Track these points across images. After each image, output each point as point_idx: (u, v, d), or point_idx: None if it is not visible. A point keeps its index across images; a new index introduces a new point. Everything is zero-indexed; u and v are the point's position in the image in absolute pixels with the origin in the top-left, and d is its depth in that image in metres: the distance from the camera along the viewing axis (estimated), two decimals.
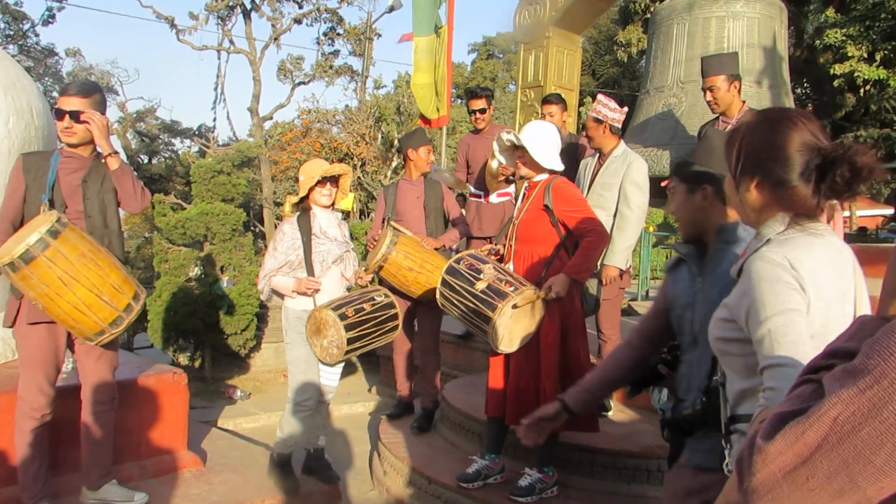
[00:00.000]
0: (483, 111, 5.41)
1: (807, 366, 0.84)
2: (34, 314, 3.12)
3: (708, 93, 4.14)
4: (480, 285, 3.34)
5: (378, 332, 3.72)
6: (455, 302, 3.48)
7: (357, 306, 3.61)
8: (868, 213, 32.34)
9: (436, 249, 4.54)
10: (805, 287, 1.46)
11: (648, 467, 3.76)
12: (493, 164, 5.09)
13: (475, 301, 3.35)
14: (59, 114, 3.14)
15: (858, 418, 0.69)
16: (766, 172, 1.53)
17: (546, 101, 5.06)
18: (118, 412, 3.51)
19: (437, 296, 3.60)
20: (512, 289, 3.30)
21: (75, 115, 3.13)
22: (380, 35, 25.41)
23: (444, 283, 3.54)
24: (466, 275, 3.43)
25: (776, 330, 1.43)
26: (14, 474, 3.28)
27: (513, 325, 3.33)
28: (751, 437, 0.82)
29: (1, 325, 3.44)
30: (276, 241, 3.77)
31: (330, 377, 3.85)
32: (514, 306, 3.26)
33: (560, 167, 3.59)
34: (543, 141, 3.56)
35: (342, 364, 3.87)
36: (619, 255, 4.09)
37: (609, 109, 4.11)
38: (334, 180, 3.85)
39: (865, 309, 1.59)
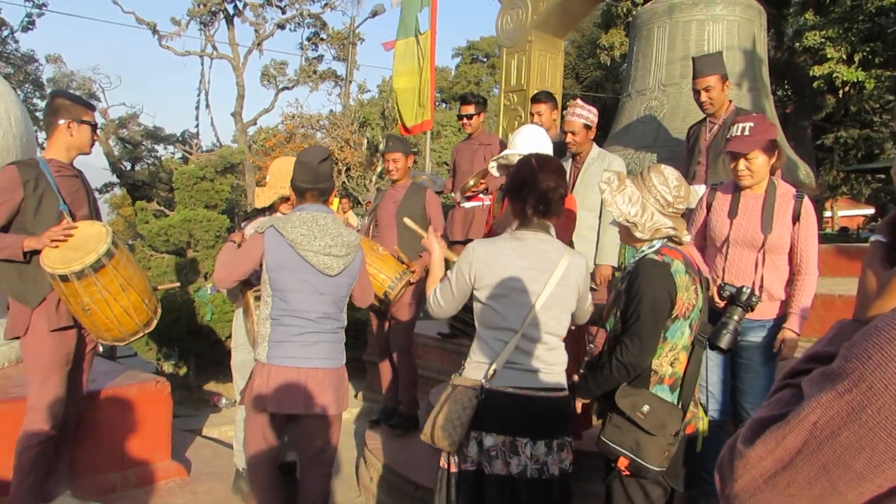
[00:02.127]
0: (471, 117, 5.42)
1: (787, 371, 0.84)
2: (56, 320, 3.14)
3: (703, 93, 4.10)
4: None
5: None
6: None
7: None
8: (849, 213, 32.75)
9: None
10: (472, 263, 2.44)
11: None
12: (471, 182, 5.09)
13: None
14: (94, 127, 3.35)
15: (837, 422, 0.69)
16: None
17: (535, 99, 5.04)
18: (101, 421, 3.49)
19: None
20: None
21: (95, 126, 3.37)
22: (363, 40, 25.52)
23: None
24: None
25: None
26: (9, 488, 3.20)
27: None
28: (731, 442, 0.82)
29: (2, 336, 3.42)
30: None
31: None
32: None
33: None
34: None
35: None
36: (610, 254, 4.08)
37: (593, 114, 4.14)
38: None
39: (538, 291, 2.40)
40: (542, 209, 2.44)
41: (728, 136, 3.13)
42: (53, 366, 3.16)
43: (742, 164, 3.07)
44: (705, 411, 2.68)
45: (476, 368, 2.46)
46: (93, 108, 3.37)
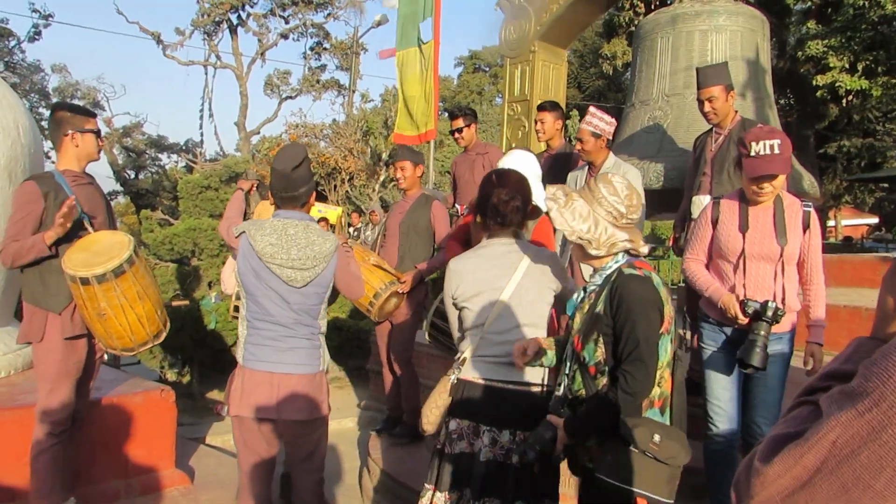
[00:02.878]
0: (461, 130, 5.40)
1: (804, 388, 0.83)
2: (71, 328, 3.20)
3: (706, 104, 4.10)
4: None
5: None
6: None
7: None
8: (853, 222, 32.69)
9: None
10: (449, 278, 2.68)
11: None
12: None
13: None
14: (99, 134, 3.41)
15: (857, 441, 0.68)
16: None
17: (540, 108, 5.02)
18: (106, 429, 3.51)
19: (427, 333, 3.67)
20: None
21: (99, 133, 3.43)
22: (366, 49, 25.63)
23: (433, 325, 3.64)
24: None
25: None
26: (14, 494, 3.24)
27: None
28: (748, 459, 0.81)
29: (14, 342, 3.48)
30: None
31: None
32: None
33: (543, 208, 3.10)
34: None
35: None
36: None
37: (605, 123, 4.11)
38: None
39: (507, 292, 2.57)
40: (499, 220, 2.62)
41: (753, 154, 2.92)
42: (63, 373, 3.22)
43: (769, 185, 2.95)
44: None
45: (456, 361, 2.67)
46: (93, 115, 3.43)
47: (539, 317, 2.63)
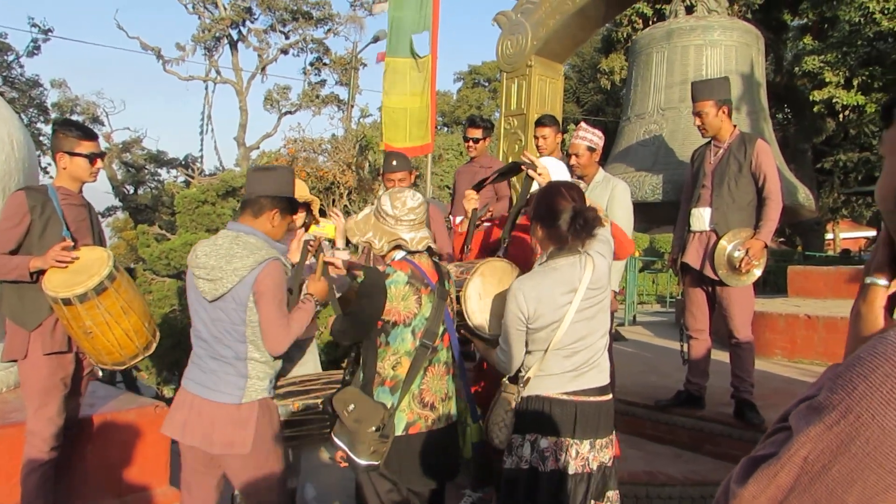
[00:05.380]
0: (477, 141, 5.45)
1: (780, 414, 0.83)
2: (51, 344, 3.17)
3: (696, 118, 4.18)
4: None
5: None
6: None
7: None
8: (851, 235, 32.73)
9: None
10: (524, 303, 2.49)
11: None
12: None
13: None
14: (93, 157, 3.30)
15: (828, 456, 0.68)
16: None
17: (539, 123, 5.03)
18: (99, 446, 3.48)
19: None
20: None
21: (103, 156, 3.39)
22: (365, 65, 25.71)
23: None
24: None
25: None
26: None
27: (487, 300, 2.99)
28: (725, 482, 0.80)
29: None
30: None
31: None
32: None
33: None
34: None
35: None
36: (613, 277, 4.08)
37: (598, 137, 4.15)
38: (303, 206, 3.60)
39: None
40: (585, 231, 2.50)
41: None
42: (50, 390, 3.18)
43: None
44: (476, 418, 2.88)
45: (501, 368, 2.66)
46: (90, 138, 3.31)
47: (601, 323, 2.63)
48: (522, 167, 3.32)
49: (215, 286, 2.57)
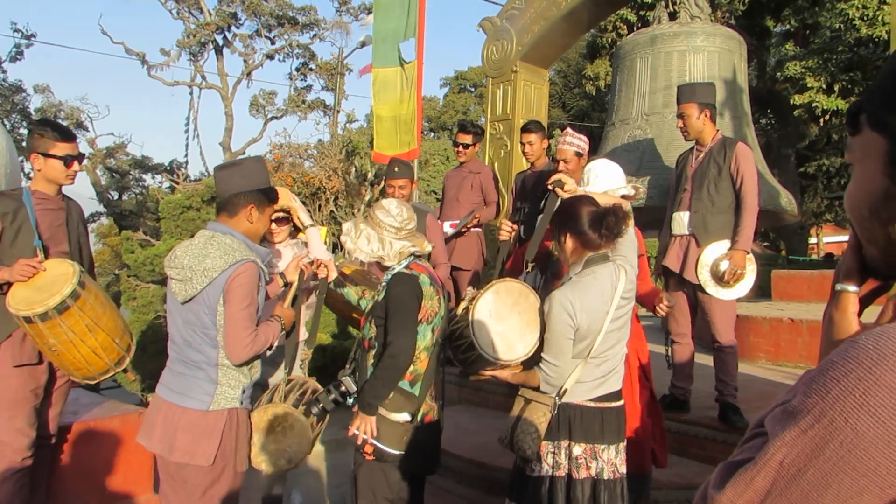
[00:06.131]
0: (467, 146, 5.48)
1: (757, 420, 0.83)
2: (20, 356, 3.10)
3: (679, 120, 4.23)
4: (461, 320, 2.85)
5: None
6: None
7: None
8: (834, 239, 33.04)
9: None
10: (573, 314, 2.51)
11: None
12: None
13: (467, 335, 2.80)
14: (69, 160, 3.18)
15: (803, 460, 0.68)
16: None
17: (525, 129, 5.04)
18: (82, 454, 3.44)
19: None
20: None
21: (81, 158, 3.27)
22: (351, 70, 25.64)
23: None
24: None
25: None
26: None
27: (498, 327, 2.79)
28: (703, 487, 0.81)
29: None
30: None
31: None
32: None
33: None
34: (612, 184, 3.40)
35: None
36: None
37: (585, 142, 4.18)
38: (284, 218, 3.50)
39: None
40: (615, 233, 2.59)
41: None
42: (20, 401, 3.12)
43: None
44: (442, 405, 3.03)
45: (548, 386, 2.63)
46: (65, 139, 3.20)
47: (627, 332, 2.73)
48: (550, 186, 3.30)
49: (185, 287, 2.48)
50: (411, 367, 2.73)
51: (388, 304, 2.70)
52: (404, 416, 2.71)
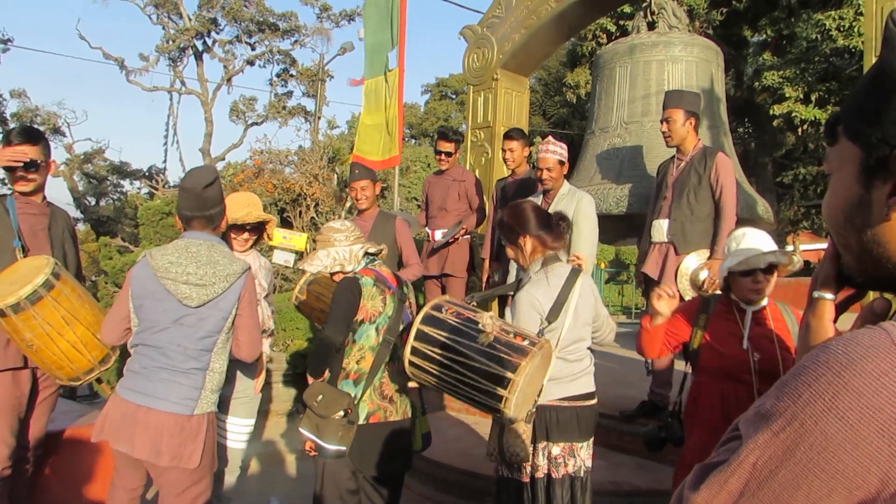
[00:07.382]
0: (449, 154, 5.48)
1: (734, 423, 0.85)
2: (3, 360, 3.07)
3: (664, 124, 4.27)
4: (485, 339, 2.48)
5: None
6: (439, 362, 2.56)
7: None
8: (811, 247, 33.46)
9: None
10: (542, 311, 2.74)
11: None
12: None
13: (483, 360, 2.46)
14: (27, 167, 3.16)
15: (774, 462, 0.70)
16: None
17: (507, 136, 5.06)
18: (63, 463, 3.39)
19: (408, 362, 2.61)
20: (526, 342, 2.51)
21: (34, 164, 3.17)
22: (332, 76, 25.70)
23: (421, 337, 2.59)
24: (460, 326, 2.57)
25: None
26: None
27: (526, 389, 2.51)
28: (679, 489, 0.82)
29: None
30: None
31: (236, 437, 3.42)
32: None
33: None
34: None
35: (252, 420, 3.52)
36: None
37: (565, 150, 4.23)
38: (254, 228, 3.58)
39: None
40: (556, 226, 2.87)
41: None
42: (3, 409, 3.09)
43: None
44: (423, 411, 3.16)
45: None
46: (29, 142, 3.19)
47: (588, 339, 2.94)
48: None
49: (203, 291, 2.58)
50: (356, 367, 2.87)
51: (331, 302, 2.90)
52: (338, 413, 2.79)
